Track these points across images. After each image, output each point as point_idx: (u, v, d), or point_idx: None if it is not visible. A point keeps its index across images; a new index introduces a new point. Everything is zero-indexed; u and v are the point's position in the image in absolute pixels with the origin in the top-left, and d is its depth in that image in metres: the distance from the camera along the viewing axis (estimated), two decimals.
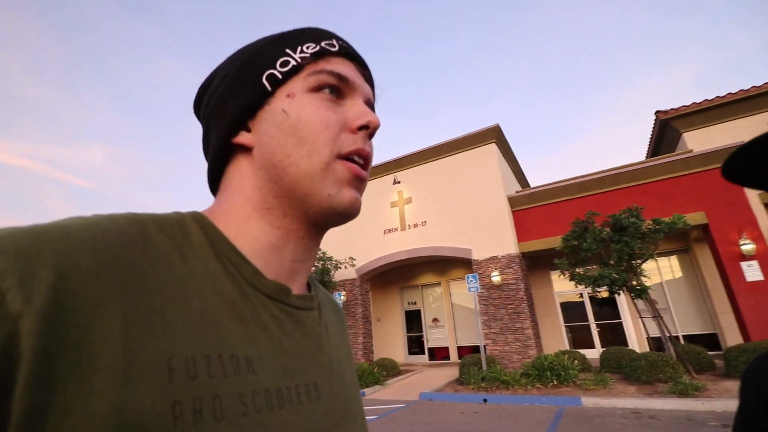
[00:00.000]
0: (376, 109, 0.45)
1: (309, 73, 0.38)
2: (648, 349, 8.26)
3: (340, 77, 0.39)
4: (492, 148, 11.33)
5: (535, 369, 7.78)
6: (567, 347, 10.78)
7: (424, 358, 13.49)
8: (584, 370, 8.24)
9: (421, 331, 13.80)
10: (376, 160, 12.72)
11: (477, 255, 10.68)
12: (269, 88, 0.38)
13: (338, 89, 0.40)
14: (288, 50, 0.39)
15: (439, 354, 13.37)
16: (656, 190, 9.37)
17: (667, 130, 11.35)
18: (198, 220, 0.36)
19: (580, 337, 11.09)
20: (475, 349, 10.88)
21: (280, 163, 0.37)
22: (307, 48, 0.39)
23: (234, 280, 0.34)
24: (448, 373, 10.30)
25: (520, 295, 9.77)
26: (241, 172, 0.39)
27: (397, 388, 9.14)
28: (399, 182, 12.67)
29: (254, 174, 0.38)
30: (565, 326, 11.26)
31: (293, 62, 0.38)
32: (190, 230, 0.34)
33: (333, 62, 0.40)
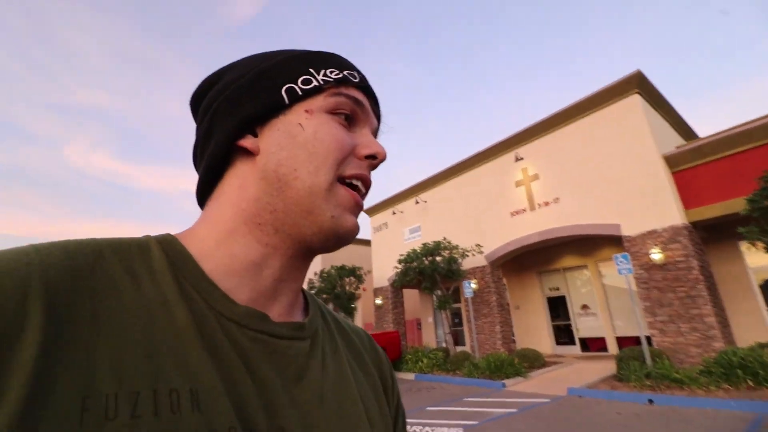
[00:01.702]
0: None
1: (329, 94, 0.39)
2: None
3: (358, 103, 0.41)
4: (635, 101, 9.40)
5: (720, 366, 6.21)
6: None
7: (575, 349, 12.13)
8: None
9: (569, 319, 12.45)
10: (493, 139, 11.99)
11: (628, 230, 9.04)
12: (287, 100, 0.38)
13: (352, 117, 0.41)
14: (311, 69, 0.40)
15: (593, 345, 11.84)
16: None
17: None
18: (164, 242, 0.35)
19: None
20: (639, 341, 9.27)
21: (285, 176, 0.37)
22: (331, 73, 0.40)
23: (192, 306, 0.32)
24: (604, 366, 9.05)
25: (694, 275, 7.89)
26: (240, 180, 0.38)
27: (542, 381, 8.48)
28: (521, 159, 11.65)
29: (255, 183, 0.37)
30: None
31: (315, 83, 0.39)
32: (153, 254, 0.33)
33: (352, 91, 0.41)
